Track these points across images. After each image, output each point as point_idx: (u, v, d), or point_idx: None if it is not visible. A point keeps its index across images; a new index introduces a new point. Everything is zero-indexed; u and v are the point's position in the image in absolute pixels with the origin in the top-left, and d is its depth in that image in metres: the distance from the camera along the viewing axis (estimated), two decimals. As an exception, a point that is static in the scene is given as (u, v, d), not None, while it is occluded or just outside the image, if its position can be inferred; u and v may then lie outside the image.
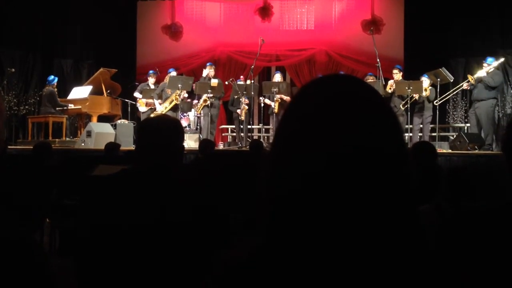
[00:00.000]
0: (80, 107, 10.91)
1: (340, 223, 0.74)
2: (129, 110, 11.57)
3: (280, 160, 0.79)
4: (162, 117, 2.36)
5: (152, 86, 10.97)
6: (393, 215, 0.75)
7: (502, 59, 9.64)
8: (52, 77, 11.03)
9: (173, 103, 10.02)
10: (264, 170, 0.80)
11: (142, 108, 11.00)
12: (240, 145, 10.20)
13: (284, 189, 0.76)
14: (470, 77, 9.44)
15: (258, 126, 12.04)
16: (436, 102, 9.50)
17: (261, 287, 0.75)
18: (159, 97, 10.36)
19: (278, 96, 10.13)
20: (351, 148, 0.74)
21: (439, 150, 7.33)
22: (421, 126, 9.77)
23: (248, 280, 0.76)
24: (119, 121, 11.02)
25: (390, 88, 9.80)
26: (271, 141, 10.21)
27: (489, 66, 9.30)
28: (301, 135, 0.77)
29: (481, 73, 9.31)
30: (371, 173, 0.74)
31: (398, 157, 0.77)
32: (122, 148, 7.58)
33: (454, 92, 10.25)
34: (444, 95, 9.80)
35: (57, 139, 10.38)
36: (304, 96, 0.81)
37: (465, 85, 9.60)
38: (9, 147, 8.70)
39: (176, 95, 9.93)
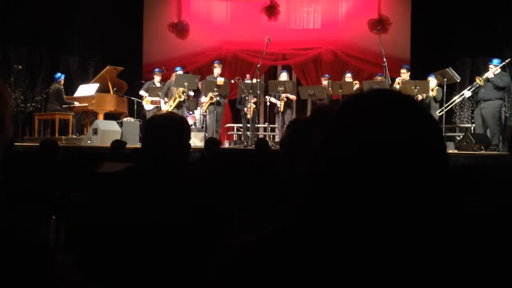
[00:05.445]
0: (86, 104, 10.92)
1: (379, 212, 0.75)
2: (135, 108, 11.58)
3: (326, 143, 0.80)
4: (169, 115, 2.35)
5: (158, 84, 10.99)
6: (436, 211, 0.79)
7: (507, 60, 9.60)
8: (59, 74, 11.07)
9: (176, 101, 10.03)
10: (309, 149, 0.81)
11: (147, 106, 11.02)
12: (245, 144, 10.19)
13: (328, 170, 0.77)
14: (478, 79, 9.39)
15: (263, 125, 12.04)
16: (439, 112, 9.45)
17: (294, 268, 0.76)
18: (166, 95, 10.37)
19: (284, 95, 10.12)
20: (400, 141, 0.77)
21: (445, 150, 7.30)
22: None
23: (281, 261, 0.76)
24: (125, 119, 11.04)
25: (398, 84, 9.78)
26: (276, 140, 10.25)
27: (496, 67, 9.26)
28: (350, 127, 0.79)
29: (488, 74, 9.28)
30: (416, 167, 0.77)
31: (442, 152, 0.81)
32: (128, 146, 7.60)
33: (458, 100, 10.22)
34: (448, 104, 9.76)
35: (63, 136, 10.41)
36: (354, 104, 0.83)
37: (467, 94, 9.65)
38: (15, 144, 8.73)
39: (179, 92, 9.93)
